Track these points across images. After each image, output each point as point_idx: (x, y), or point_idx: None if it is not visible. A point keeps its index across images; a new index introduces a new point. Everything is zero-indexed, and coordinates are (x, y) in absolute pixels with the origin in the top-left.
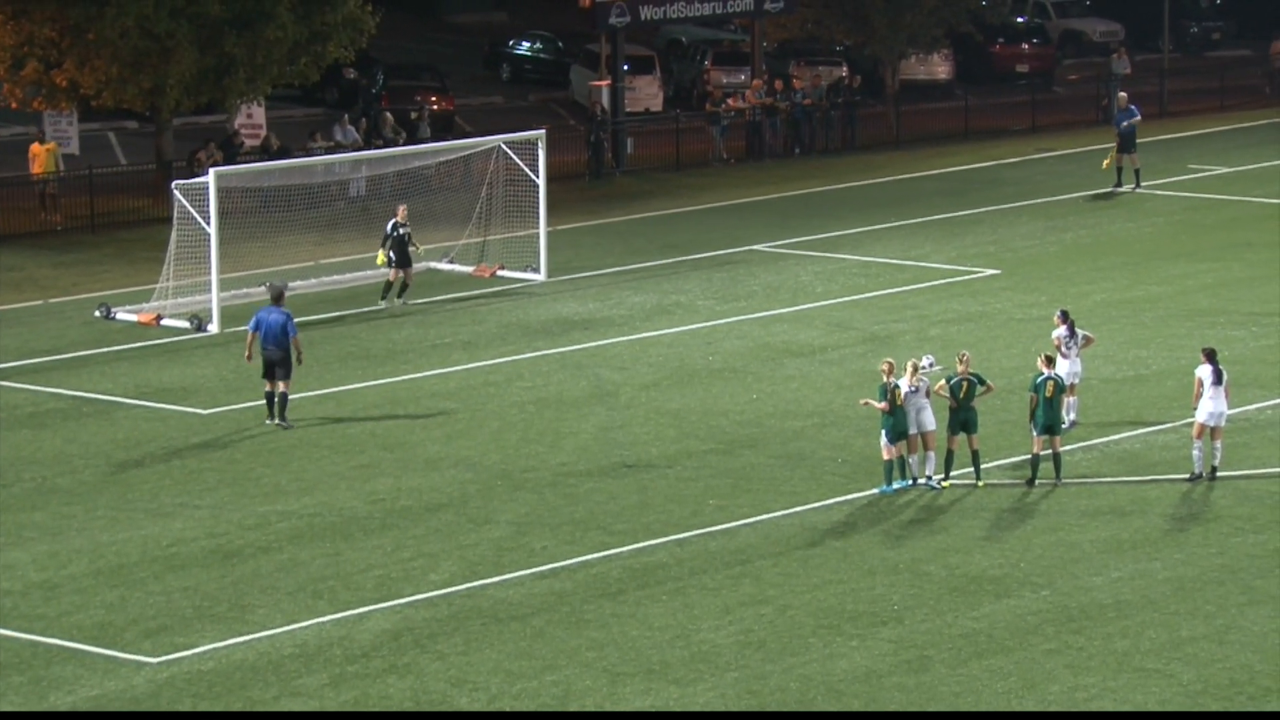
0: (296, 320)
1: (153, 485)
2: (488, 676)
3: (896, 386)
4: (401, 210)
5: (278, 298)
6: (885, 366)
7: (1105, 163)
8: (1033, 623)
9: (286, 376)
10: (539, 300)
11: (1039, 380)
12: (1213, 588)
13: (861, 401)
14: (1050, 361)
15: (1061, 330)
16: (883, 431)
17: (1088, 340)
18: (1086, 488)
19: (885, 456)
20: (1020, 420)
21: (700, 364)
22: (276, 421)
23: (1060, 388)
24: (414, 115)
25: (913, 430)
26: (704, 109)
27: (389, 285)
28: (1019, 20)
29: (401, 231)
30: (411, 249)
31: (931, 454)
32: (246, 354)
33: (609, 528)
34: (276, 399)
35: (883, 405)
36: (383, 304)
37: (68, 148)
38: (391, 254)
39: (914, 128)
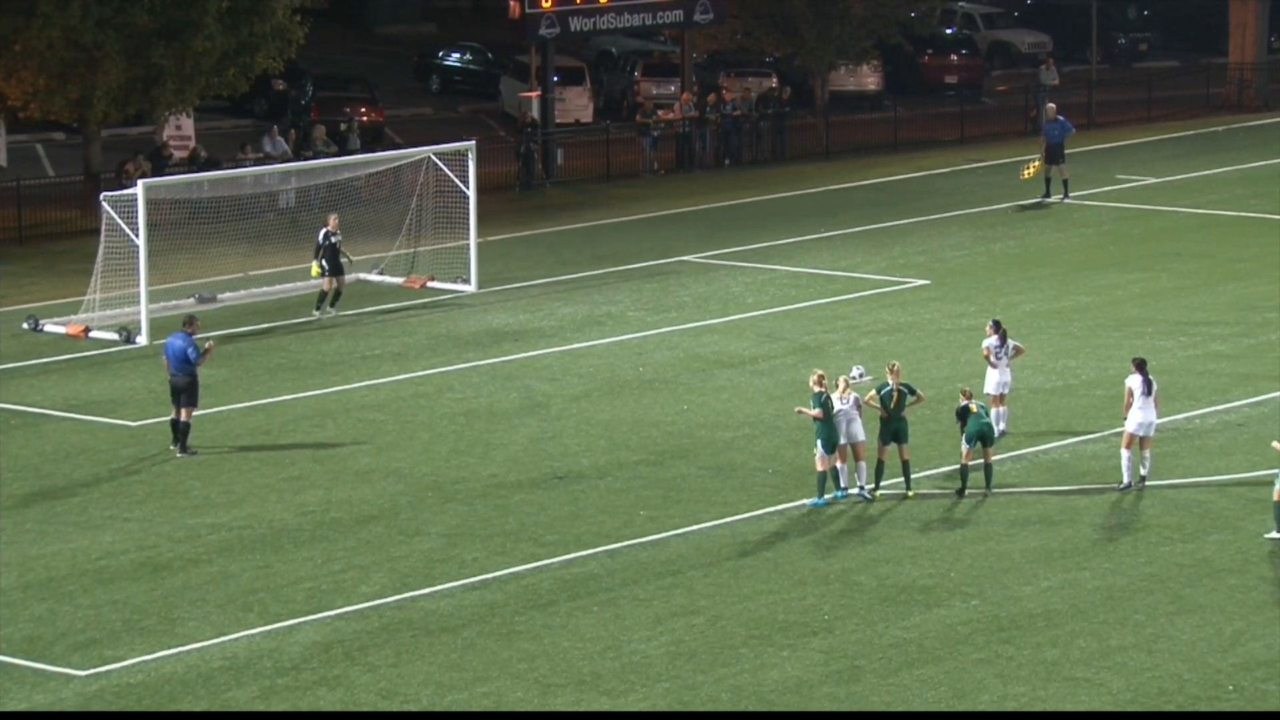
0: (228, 331)
1: (81, 498)
2: (418, 689)
3: (829, 396)
4: (332, 219)
5: (186, 322)
6: (816, 377)
7: (1025, 173)
8: (963, 632)
9: (190, 404)
10: (469, 311)
11: (960, 407)
12: (1141, 597)
13: (796, 409)
14: (969, 395)
15: (993, 340)
16: (818, 442)
17: (1018, 351)
18: (1016, 497)
19: (819, 468)
20: (950, 430)
21: (631, 375)
22: (177, 453)
23: (982, 409)
24: (343, 127)
25: (842, 441)
26: (634, 120)
27: (323, 295)
28: (948, 32)
29: (334, 240)
30: (344, 260)
31: (863, 464)
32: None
33: (540, 539)
34: (180, 426)
35: (816, 412)
36: (316, 314)
37: None
38: (324, 263)
39: (844, 139)
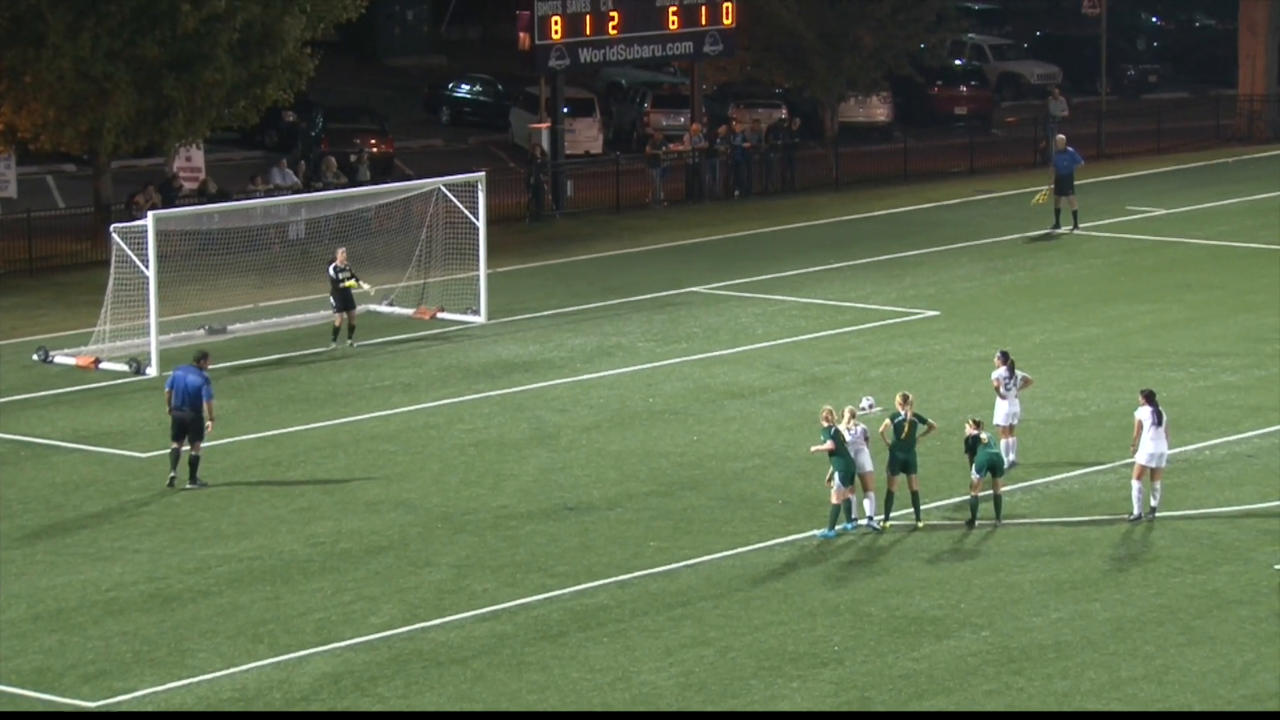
0: (238, 362)
1: (91, 529)
2: None
3: (838, 430)
4: (340, 254)
5: (199, 358)
6: (825, 413)
7: (1036, 199)
8: (973, 663)
9: (198, 438)
10: (479, 343)
11: (969, 438)
12: (1152, 628)
13: (811, 449)
14: (979, 425)
15: (1001, 371)
16: (835, 474)
17: (1026, 382)
18: (1026, 528)
19: (834, 500)
20: (959, 461)
21: (641, 406)
22: (187, 485)
23: (992, 440)
24: (353, 158)
25: None
26: (644, 151)
27: (335, 330)
28: (957, 63)
29: (342, 275)
30: (357, 290)
31: (871, 494)
32: (167, 409)
33: (550, 570)
34: (187, 461)
35: (827, 445)
36: (334, 345)
37: (5, 191)
38: (332, 299)
39: (853, 170)
